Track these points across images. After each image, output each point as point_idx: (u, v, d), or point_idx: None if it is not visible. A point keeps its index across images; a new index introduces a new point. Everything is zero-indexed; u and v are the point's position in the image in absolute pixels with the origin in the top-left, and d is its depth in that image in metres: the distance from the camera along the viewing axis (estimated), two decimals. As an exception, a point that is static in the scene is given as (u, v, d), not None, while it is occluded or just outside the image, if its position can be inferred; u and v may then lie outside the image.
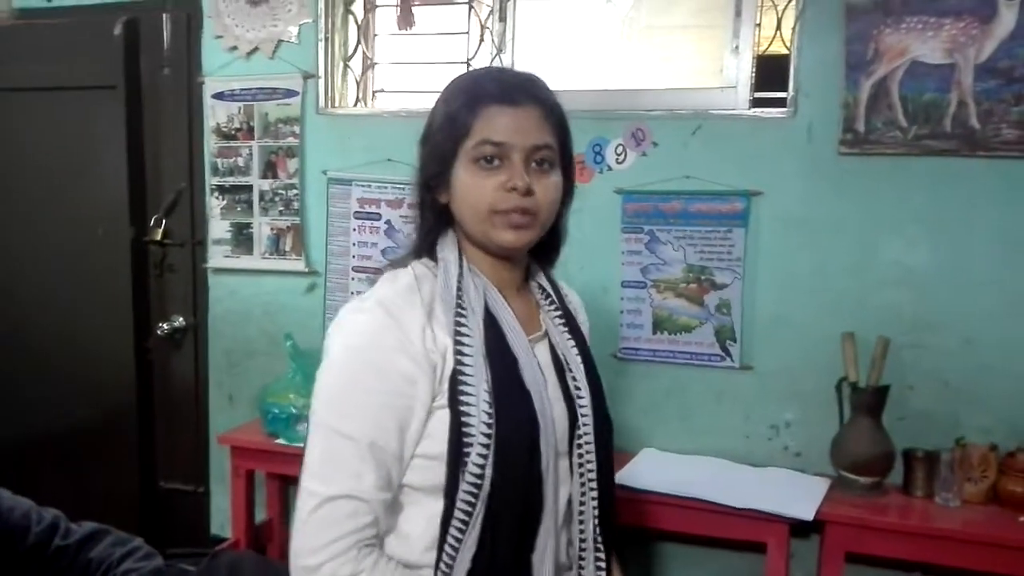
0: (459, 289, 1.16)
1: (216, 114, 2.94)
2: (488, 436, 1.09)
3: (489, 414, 1.10)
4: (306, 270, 2.91)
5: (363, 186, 2.79)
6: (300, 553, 1.08)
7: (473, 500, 1.09)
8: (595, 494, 1.24)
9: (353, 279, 2.83)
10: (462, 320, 1.14)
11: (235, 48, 2.89)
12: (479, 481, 1.09)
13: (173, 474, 3.21)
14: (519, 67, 2.63)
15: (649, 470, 2.37)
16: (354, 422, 1.09)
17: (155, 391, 3.18)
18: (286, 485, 2.95)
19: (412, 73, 2.89)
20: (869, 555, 2.19)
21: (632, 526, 2.25)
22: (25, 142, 3.20)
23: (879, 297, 2.34)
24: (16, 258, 3.27)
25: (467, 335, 1.13)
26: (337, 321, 1.16)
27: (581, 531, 1.23)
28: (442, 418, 1.11)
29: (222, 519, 3.08)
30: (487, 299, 1.18)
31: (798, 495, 2.20)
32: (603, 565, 1.26)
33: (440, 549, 1.11)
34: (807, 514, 2.10)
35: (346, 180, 2.81)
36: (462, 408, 1.10)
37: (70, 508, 1.64)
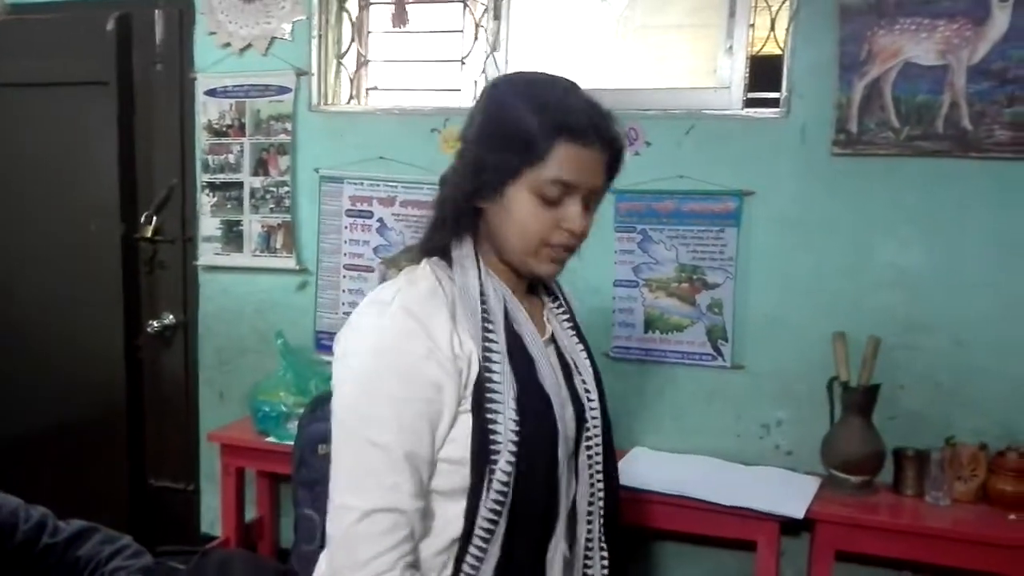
0: (482, 294, 1.14)
1: (208, 111, 2.93)
2: (515, 443, 1.08)
3: (516, 420, 1.09)
4: (297, 268, 2.89)
5: (355, 184, 2.78)
6: (342, 571, 1.06)
7: (499, 508, 1.09)
8: (602, 494, 1.24)
9: (345, 277, 2.83)
10: (489, 327, 1.13)
11: (228, 45, 2.88)
12: (506, 489, 1.08)
13: (163, 472, 3.19)
14: (515, 65, 2.64)
15: (640, 469, 2.36)
16: (387, 431, 1.06)
17: (145, 389, 3.16)
18: (276, 483, 2.94)
19: (406, 71, 2.88)
20: (859, 553, 2.20)
21: (623, 524, 2.25)
22: (17, 138, 3.18)
23: (871, 298, 2.34)
24: (6, 254, 3.24)
25: (494, 341, 1.12)
26: (356, 326, 1.13)
27: (588, 530, 1.23)
28: (465, 423, 1.10)
29: (212, 517, 3.08)
30: (505, 303, 1.17)
31: (789, 494, 2.20)
32: (607, 563, 1.26)
33: (460, 556, 1.11)
34: (797, 512, 2.10)
35: (338, 178, 2.80)
36: (488, 415, 1.09)
37: (59, 506, 1.63)
